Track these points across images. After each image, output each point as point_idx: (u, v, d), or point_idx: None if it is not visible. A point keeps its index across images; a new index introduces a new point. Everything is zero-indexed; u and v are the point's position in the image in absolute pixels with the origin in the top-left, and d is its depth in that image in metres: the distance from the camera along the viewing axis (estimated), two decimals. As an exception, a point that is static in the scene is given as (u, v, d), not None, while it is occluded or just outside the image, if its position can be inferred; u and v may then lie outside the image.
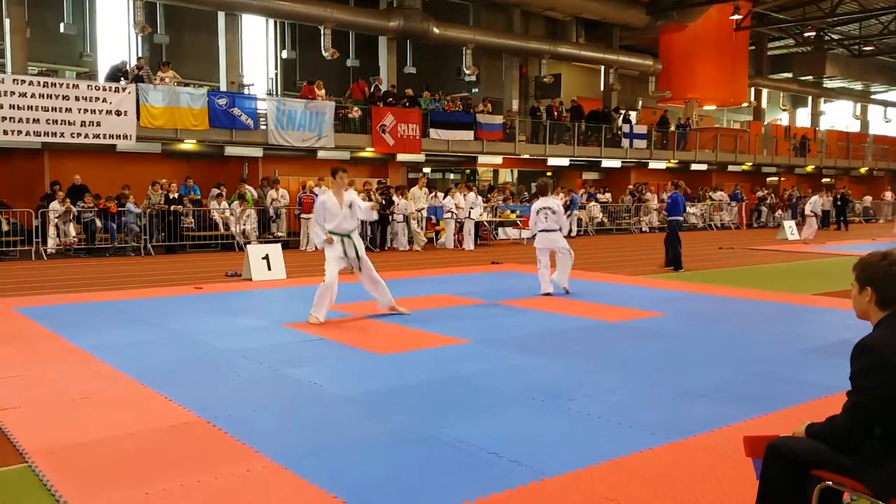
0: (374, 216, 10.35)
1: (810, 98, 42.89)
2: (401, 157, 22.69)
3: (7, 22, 18.02)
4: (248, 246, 13.37)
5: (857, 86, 45.20)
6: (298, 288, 10.83)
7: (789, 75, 40.03)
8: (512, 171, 29.33)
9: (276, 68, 26.84)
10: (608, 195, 26.75)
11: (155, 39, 23.01)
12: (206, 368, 6.27)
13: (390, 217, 18.31)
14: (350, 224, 8.51)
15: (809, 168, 36.53)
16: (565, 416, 4.98)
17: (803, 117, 44.24)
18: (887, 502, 2.64)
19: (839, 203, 29.02)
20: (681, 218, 14.79)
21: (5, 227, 15.44)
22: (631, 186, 27.97)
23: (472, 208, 19.52)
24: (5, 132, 15.98)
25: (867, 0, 31.81)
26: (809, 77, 40.48)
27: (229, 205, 18.23)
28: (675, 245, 13.97)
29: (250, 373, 6.24)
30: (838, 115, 46.29)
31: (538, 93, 29.52)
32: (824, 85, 42.79)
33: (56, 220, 15.86)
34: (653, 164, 29.76)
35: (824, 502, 2.81)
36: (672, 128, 30.92)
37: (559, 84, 29.30)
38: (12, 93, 15.98)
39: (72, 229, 16.09)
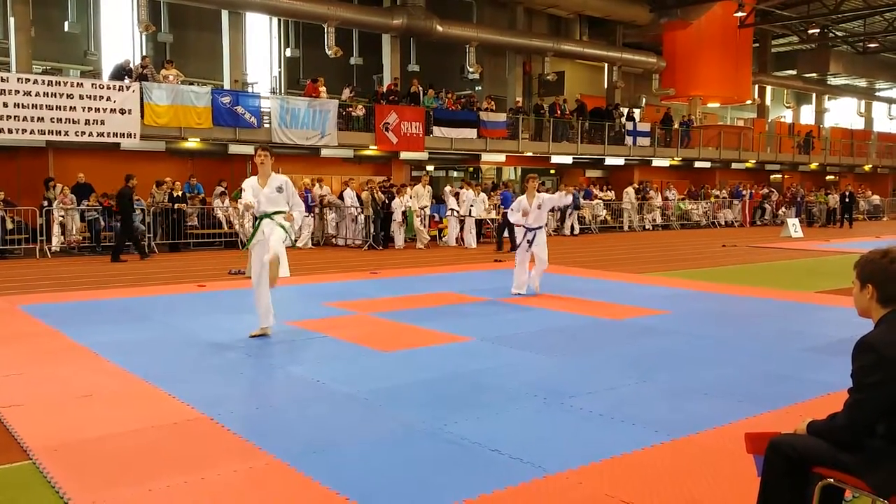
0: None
1: (814, 95, 42.75)
2: (404, 155, 22.68)
3: (12, 21, 18.07)
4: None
5: (862, 83, 45.05)
6: (302, 286, 10.84)
7: (793, 72, 39.92)
8: (515, 168, 29.30)
9: (280, 66, 26.82)
10: (611, 193, 26.69)
11: (159, 38, 23.02)
12: (209, 366, 6.29)
13: (391, 215, 18.29)
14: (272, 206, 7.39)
15: (813, 165, 36.43)
16: (568, 413, 4.99)
17: (807, 114, 44.10)
18: (889, 500, 2.64)
19: (846, 200, 28.96)
20: None
21: (10, 226, 15.49)
22: (635, 185, 27.91)
23: (472, 206, 19.49)
24: (10, 130, 16.01)
25: (871, -3, 31.72)
26: (813, 74, 40.35)
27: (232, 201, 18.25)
28: (509, 232, 16.36)
29: (254, 370, 6.27)
30: (842, 113, 46.10)
31: (541, 90, 29.46)
32: (828, 82, 42.65)
33: (60, 217, 15.90)
34: (656, 162, 29.69)
35: (826, 500, 2.82)
36: (675, 125, 30.86)
37: (562, 82, 29.17)
38: (17, 91, 16.01)
39: (71, 224, 16.09)
